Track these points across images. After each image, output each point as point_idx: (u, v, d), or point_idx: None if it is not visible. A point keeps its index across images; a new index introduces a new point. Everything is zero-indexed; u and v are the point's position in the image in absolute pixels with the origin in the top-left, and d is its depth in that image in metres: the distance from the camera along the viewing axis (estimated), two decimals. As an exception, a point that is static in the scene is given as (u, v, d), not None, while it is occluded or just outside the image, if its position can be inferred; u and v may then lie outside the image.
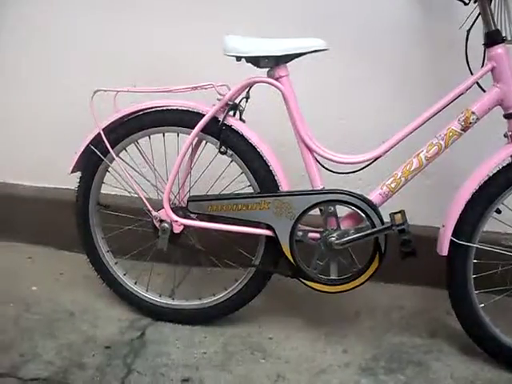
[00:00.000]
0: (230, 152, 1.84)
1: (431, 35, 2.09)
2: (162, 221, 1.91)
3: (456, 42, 1.81)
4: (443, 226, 1.78)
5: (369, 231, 1.76)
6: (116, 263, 2.07)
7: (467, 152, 1.93)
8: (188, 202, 1.88)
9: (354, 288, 1.84)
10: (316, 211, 1.84)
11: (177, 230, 1.90)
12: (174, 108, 1.88)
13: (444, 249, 1.77)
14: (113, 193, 2.15)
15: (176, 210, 1.92)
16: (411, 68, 2.13)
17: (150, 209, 1.92)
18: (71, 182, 2.03)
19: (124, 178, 1.95)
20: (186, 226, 1.91)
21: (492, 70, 1.72)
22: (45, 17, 2.34)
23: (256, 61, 1.79)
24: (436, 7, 2.04)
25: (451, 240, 1.76)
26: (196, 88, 1.85)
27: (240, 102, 1.86)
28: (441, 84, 1.91)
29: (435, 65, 2.11)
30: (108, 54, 2.30)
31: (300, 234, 1.82)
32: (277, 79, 1.79)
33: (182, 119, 1.87)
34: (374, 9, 2.10)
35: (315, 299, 2.06)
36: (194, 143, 1.90)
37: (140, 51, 2.27)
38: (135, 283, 2.06)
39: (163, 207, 1.90)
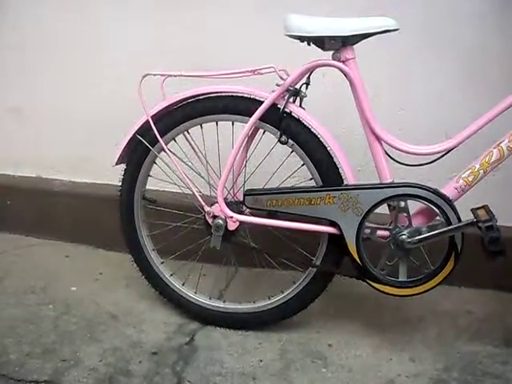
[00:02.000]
0: (290, 142, 1.69)
1: (509, 23, 1.92)
2: (215, 217, 1.76)
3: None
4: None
5: (447, 228, 1.60)
6: (162, 263, 1.93)
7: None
8: (244, 196, 1.73)
9: (425, 292, 1.69)
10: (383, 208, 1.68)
11: (232, 226, 1.75)
12: (229, 94, 1.73)
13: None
14: (160, 188, 2.01)
15: (230, 205, 1.78)
16: (482, 58, 1.97)
17: (203, 204, 1.77)
18: (110, 176, 1.90)
19: (174, 170, 1.81)
20: (241, 223, 1.76)
21: None
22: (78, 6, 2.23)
23: (321, 41, 1.64)
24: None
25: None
26: (254, 72, 1.70)
27: (301, 87, 1.71)
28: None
29: (509, 55, 1.94)
30: (152, 41, 2.17)
31: (368, 231, 1.67)
32: (343, 62, 1.64)
33: (237, 106, 1.72)
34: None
35: (374, 303, 1.92)
36: (249, 133, 1.75)
37: (185, 36, 2.14)
38: (183, 284, 1.91)
39: (216, 202, 1.75)
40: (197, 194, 1.78)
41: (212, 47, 2.11)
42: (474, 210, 1.60)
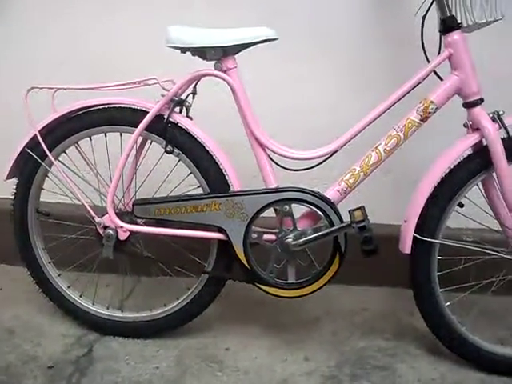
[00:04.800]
0: (176, 151, 1.72)
1: (387, 25, 2.02)
2: (106, 227, 1.77)
3: (412, 30, 1.72)
4: (405, 221, 1.70)
5: (327, 230, 1.66)
6: (59, 275, 1.92)
7: (428, 144, 1.86)
8: (133, 205, 1.75)
9: (313, 292, 1.74)
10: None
11: (123, 236, 1.77)
12: (116, 106, 1.75)
13: (407, 246, 1.68)
14: (54, 200, 1.99)
15: (121, 215, 1.79)
16: (367, 60, 2.06)
17: (93, 215, 1.78)
18: (5, 190, 1.87)
19: (64, 182, 1.80)
20: (132, 233, 1.77)
21: (449, 57, 1.65)
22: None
23: (202, 52, 1.68)
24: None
25: (414, 237, 1.68)
26: (138, 83, 1.72)
27: (187, 97, 1.74)
28: (398, 75, 1.81)
29: (392, 55, 2.04)
30: (44, 52, 2.15)
31: (254, 236, 1.71)
32: (225, 72, 1.68)
33: (124, 117, 1.74)
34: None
35: (273, 305, 1.95)
36: (138, 143, 1.77)
37: (78, 48, 2.14)
38: (80, 296, 1.91)
39: (107, 213, 1.76)
40: (86, 205, 1.78)
41: (109, 58, 2.10)
42: (350, 212, 1.66)
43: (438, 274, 1.73)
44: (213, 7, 2.02)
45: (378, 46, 2.04)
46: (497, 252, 1.73)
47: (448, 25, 1.63)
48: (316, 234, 1.67)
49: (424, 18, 1.69)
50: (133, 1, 2.08)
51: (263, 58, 1.82)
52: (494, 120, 1.64)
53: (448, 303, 1.75)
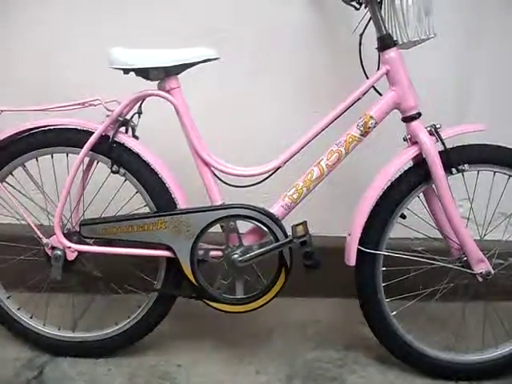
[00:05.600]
0: (122, 171, 1.73)
1: (330, 42, 2.07)
2: (54, 248, 1.77)
3: (355, 47, 1.77)
4: (349, 234, 1.73)
5: (271, 246, 1.69)
6: (8, 297, 1.91)
7: (373, 157, 1.90)
8: (80, 226, 1.76)
9: (261, 306, 1.77)
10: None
11: (71, 257, 1.77)
12: (61, 127, 1.76)
13: (351, 258, 1.72)
14: (2, 221, 1.99)
15: (69, 235, 1.79)
16: (310, 76, 2.11)
17: (41, 236, 1.78)
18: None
19: (9, 203, 1.80)
20: (80, 253, 1.78)
21: (387, 73, 1.70)
22: None
23: (145, 73, 1.70)
24: (333, 13, 2.02)
25: (358, 249, 1.72)
26: (83, 104, 1.74)
27: (132, 117, 1.76)
28: (342, 90, 1.85)
29: (335, 71, 2.09)
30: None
31: (201, 252, 1.73)
32: (168, 92, 1.70)
33: (70, 138, 1.75)
34: (270, 18, 2.07)
35: (226, 319, 1.96)
36: (85, 163, 1.78)
37: (21, 70, 2.14)
38: (31, 317, 1.91)
39: (55, 233, 1.76)
40: (33, 226, 1.78)
41: (55, 79, 2.11)
42: (293, 227, 1.69)
43: (384, 284, 1.77)
44: (155, 28, 2.04)
45: (321, 62, 2.09)
46: (439, 261, 1.78)
47: (384, 42, 1.68)
48: (261, 250, 1.70)
49: (361, 36, 1.74)
50: (78, 21, 2.09)
51: (207, 76, 1.85)
52: (431, 133, 1.69)
53: (394, 312, 1.79)
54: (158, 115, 1.81)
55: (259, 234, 1.75)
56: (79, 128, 1.75)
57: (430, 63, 2.05)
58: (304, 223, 1.69)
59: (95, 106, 1.74)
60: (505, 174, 1.76)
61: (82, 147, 1.72)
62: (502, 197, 1.88)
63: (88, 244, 1.79)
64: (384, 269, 1.77)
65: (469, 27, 2.09)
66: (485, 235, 1.89)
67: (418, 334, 1.80)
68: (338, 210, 2.12)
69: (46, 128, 1.76)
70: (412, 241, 2.11)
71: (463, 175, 1.73)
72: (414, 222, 1.82)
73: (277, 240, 1.69)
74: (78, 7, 2.08)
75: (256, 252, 1.70)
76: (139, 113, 1.75)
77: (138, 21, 2.06)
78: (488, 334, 1.87)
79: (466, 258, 1.75)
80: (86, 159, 1.77)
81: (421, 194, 1.77)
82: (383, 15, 1.69)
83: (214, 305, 1.76)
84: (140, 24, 2.06)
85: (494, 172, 1.76)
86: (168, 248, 1.72)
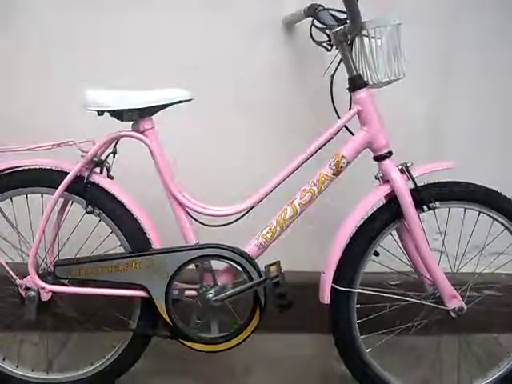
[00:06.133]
0: (97, 211, 1.74)
1: (303, 81, 2.11)
2: (28, 288, 1.76)
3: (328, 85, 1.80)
4: (323, 272, 1.75)
5: (245, 286, 1.69)
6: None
7: (347, 192, 1.92)
8: (55, 266, 1.75)
9: (237, 345, 1.77)
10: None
11: (45, 297, 1.76)
12: (36, 167, 1.76)
13: (326, 297, 1.73)
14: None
15: (44, 275, 1.79)
16: (285, 114, 2.14)
17: (14, 276, 1.77)
18: None
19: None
20: (54, 293, 1.77)
21: (358, 113, 1.73)
22: None
23: (119, 114, 1.71)
24: (306, 53, 2.06)
25: (332, 287, 1.73)
26: (58, 145, 1.75)
27: (107, 157, 1.77)
28: (317, 128, 1.89)
29: (308, 111, 2.12)
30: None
31: (176, 292, 1.73)
32: (142, 133, 1.72)
33: (45, 179, 1.76)
34: (245, 57, 2.11)
35: (202, 356, 1.93)
36: (60, 203, 1.79)
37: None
38: (3, 359, 1.88)
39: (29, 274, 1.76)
40: (6, 267, 1.78)
41: (29, 118, 2.12)
42: (266, 267, 1.71)
43: (359, 321, 1.78)
44: (130, 68, 2.08)
45: (295, 100, 2.13)
46: (413, 298, 1.79)
47: (355, 83, 1.71)
48: (236, 290, 1.71)
49: (332, 77, 1.77)
50: (53, 61, 2.12)
51: (183, 114, 1.86)
52: (402, 172, 1.72)
53: (369, 349, 1.80)
54: (132, 155, 1.83)
55: (234, 273, 1.75)
56: (54, 168, 1.76)
57: (401, 100, 2.09)
58: (277, 263, 1.70)
59: (70, 145, 1.74)
60: (475, 210, 1.79)
61: (56, 187, 1.72)
62: (474, 231, 1.90)
63: (63, 284, 1.79)
64: (358, 306, 1.78)
65: (440, 64, 2.14)
66: (458, 269, 1.91)
67: (394, 371, 1.81)
68: (312, 245, 2.14)
69: (20, 168, 1.76)
70: (387, 274, 2.12)
71: (434, 212, 1.76)
72: (388, 257, 1.84)
73: (251, 279, 1.70)
74: (53, 47, 2.11)
75: (230, 292, 1.71)
76: (114, 153, 1.77)
77: (113, 60, 2.10)
78: (463, 368, 1.88)
79: (439, 294, 1.77)
80: (61, 199, 1.77)
81: (394, 231, 1.79)
82: (354, 56, 1.73)
83: (190, 344, 1.76)
84: (115, 63, 2.09)
85: (465, 208, 1.79)
86: (143, 288, 1.72)
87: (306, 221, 2.00)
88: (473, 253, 2.08)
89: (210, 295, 1.72)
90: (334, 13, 1.77)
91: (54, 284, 1.78)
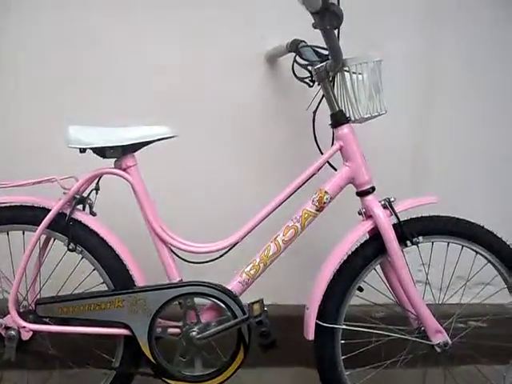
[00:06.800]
0: (79, 249, 1.72)
1: (287, 117, 2.13)
2: (8, 328, 1.74)
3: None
4: (307, 308, 1.74)
5: (229, 323, 1.68)
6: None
7: (331, 225, 1.92)
8: (36, 305, 1.73)
9: (221, 383, 1.74)
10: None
11: (26, 336, 1.73)
12: (17, 204, 1.75)
13: (310, 333, 1.73)
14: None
15: (25, 314, 1.76)
16: (267, 150, 2.16)
17: (-6, 316, 1.75)
18: None
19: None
20: (35, 332, 1.75)
21: (340, 149, 1.73)
22: None
23: (101, 151, 1.71)
24: (289, 89, 2.07)
25: (316, 323, 1.72)
26: (40, 182, 1.73)
27: (89, 194, 1.76)
28: (300, 164, 1.88)
29: (292, 147, 2.14)
30: None
31: (159, 330, 1.72)
32: (124, 170, 1.71)
33: (26, 216, 1.74)
34: (228, 93, 2.12)
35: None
36: (42, 241, 1.77)
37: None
38: (-17, 400, 1.86)
39: (9, 313, 1.74)
40: (-13, 307, 1.75)
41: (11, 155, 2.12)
42: (249, 304, 1.70)
43: (344, 357, 1.77)
44: (115, 105, 2.08)
45: (279, 137, 2.15)
46: (397, 333, 1.79)
47: (337, 119, 1.73)
48: (219, 327, 1.69)
49: (315, 113, 1.78)
50: (34, 97, 2.12)
51: (166, 151, 1.86)
52: (385, 207, 1.72)
53: (355, 384, 1.79)
54: (115, 192, 1.82)
55: (217, 310, 1.74)
56: (36, 205, 1.74)
57: (384, 135, 2.10)
58: (260, 301, 1.69)
59: (52, 182, 1.73)
60: (458, 244, 1.79)
61: (38, 224, 1.70)
62: (459, 263, 1.90)
63: (44, 323, 1.76)
64: (343, 341, 1.77)
65: (423, 99, 2.16)
66: (443, 301, 1.91)
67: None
68: (297, 278, 2.13)
69: (2, 205, 1.75)
70: (372, 307, 2.12)
71: (418, 246, 1.76)
72: (373, 290, 1.83)
73: (235, 317, 1.69)
74: (40, 84, 2.12)
75: (214, 329, 1.70)
76: (96, 189, 1.76)
77: (96, 98, 2.10)
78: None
79: (423, 328, 1.76)
80: (43, 236, 1.75)
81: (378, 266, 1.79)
82: (336, 92, 1.74)
83: (173, 383, 1.73)
84: (97, 101, 2.09)
85: (448, 242, 1.80)
86: (125, 326, 1.70)
87: (291, 253, 1.98)
88: (457, 284, 2.08)
89: (194, 333, 1.70)
90: (316, 49, 1.79)
91: (35, 323, 1.75)
